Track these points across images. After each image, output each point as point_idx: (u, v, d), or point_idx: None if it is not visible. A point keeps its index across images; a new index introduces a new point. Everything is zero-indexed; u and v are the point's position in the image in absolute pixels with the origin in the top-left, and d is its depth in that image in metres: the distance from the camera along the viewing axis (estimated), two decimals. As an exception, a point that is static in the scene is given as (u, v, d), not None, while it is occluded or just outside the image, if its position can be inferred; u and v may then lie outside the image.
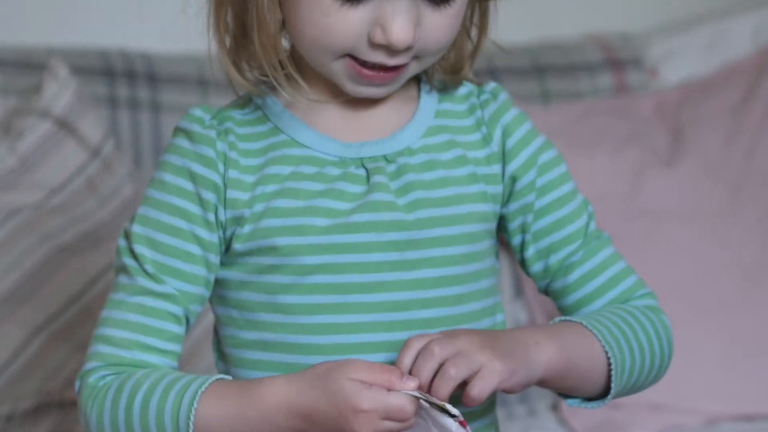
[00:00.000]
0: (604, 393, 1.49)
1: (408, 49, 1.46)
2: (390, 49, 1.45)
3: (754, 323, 2.47)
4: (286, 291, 1.49)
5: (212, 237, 1.49)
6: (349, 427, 1.38)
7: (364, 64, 1.47)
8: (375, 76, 1.47)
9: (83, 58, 2.56)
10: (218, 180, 1.49)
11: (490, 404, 1.56)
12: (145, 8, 2.46)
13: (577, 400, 1.51)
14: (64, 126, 2.45)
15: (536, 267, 1.56)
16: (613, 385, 1.47)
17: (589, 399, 1.51)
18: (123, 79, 2.57)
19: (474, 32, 1.57)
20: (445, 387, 1.37)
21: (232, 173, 1.49)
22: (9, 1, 2.68)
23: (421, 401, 1.39)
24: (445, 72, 1.57)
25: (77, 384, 1.49)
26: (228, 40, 1.52)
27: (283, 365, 1.49)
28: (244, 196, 1.48)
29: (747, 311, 2.50)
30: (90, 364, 1.48)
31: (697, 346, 2.46)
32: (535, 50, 2.64)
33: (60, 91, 2.46)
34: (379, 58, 1.46)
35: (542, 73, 2.59)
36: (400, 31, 1.43)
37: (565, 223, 1.57)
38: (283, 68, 1.50)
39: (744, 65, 2.74)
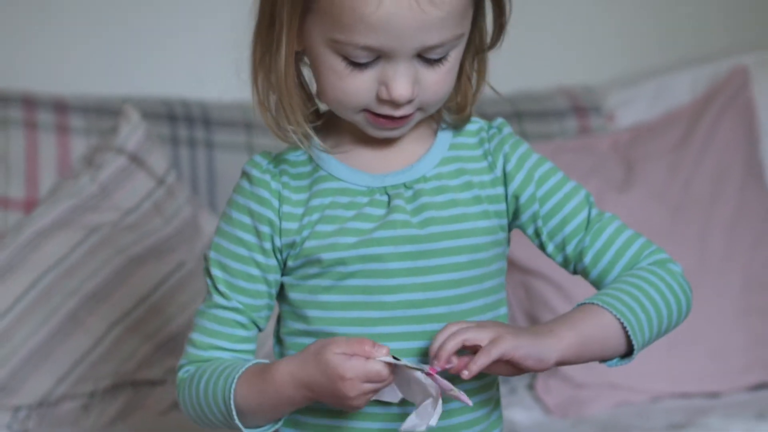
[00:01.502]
0: (630, 350, 1.48)
1: (409, 102, 1.47)
2: (394, 104, 1.46)
3: (690, 320, 2.27)
4: (324, 292, 1.51)
5: (268, 261, 1.52)
6: (339, 392, 1.41)
7: (378, 115, 1.49)
8: (387, 122, 1.48)
9: (151, 105, 2.56)
10: (272, 216, 1.51)
11: (491, 381, 1.57)
12: (200, 65, 2.57)
13: (614, 360, 1.50)
14: (136, 160, 2.46)
15: (559, 258, 1.57)
16: (634, 344, 1.46)
17: (622, 356, 1.50)
18: (183, 122, 2.57)
19: (474, 78, 1.57)
20: (450, 343, 1.39)
21: (286, 208, 1.51)
22: (91, 58, 2.66)
23: (399, 365, 1.41)
24: (452, 113, 1.57)
25: (177, 374, 1.57)
26: (273, 100, 1.53)
27: None
28: (294, 225, 1.51)
29: None
30: (180, 362, 1.56)
31: None
32: (515, 99, 2.66)
33: (132, 132, 2.47)
34: (387, 110, 1.47)
35: (521, 117, 2.61)
36: (400, 88, 1.45)
37: (570, 219, 1.57)
38: (302, 125, 1.52)
39: (683, 112, 2.72)
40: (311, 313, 1.53)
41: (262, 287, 1.53)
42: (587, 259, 1.55)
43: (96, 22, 2.68)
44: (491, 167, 1.56)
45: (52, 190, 2.45)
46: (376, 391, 1.43)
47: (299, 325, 1.54)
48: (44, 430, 2.23)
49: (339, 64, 1.46)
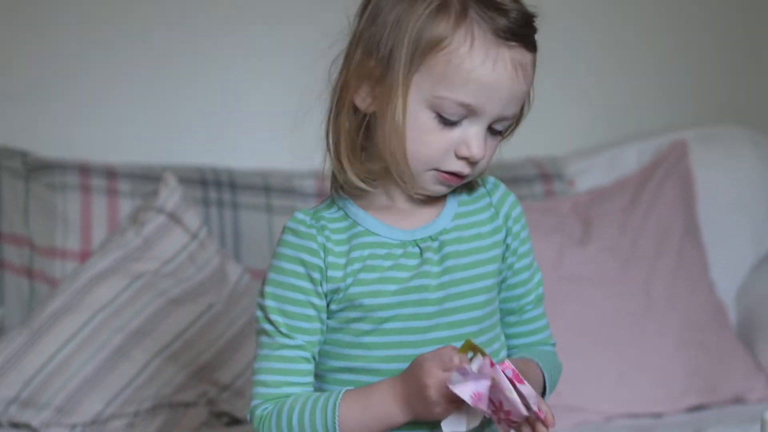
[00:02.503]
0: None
1: (480, 161, 1.49)
2: (470, 160, 1.48)
3: (637, 352, 2.48)
4: (366, 335, 1.51)
5: (321, 302, 1.51)
6: (424, 396, 1.41)
7: (446, 173, 1.49)
8: (453, 179, 1.50)
9: (186, 172, 2.57)
10: (321, 264, 1.50)
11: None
12: (228, 139, 2.70)
13: None
14: (173, 218, 2.48)
15: (503, 304, 1.59)
16: (547, 392, 1.54)
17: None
18: (213, 186, 2.57)
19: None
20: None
21: (330, 258, 1.50)
22: (136, 133, 2.67)
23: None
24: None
25: (248, 417, 1.53)
26: (347, 164, 1.52)
27: (359, 382, 1.51)
28: (339, 273, 1.50)
29: (632, 344, 2.49)
30: (254, 402, 1.52)
31: (598, 367, 2.45)
32: (492, 168, 2.51)
33: (170, 195, 2.49)
34: (458, 167, 1.48)
35: None
36: (479, 148, 1.47)
37: (527, 282, 1.60)
38: (365, 183, 1.51)
39: (631, 179, 2.74)
40: (354, 352, 1.52)
41: (317, 325, 1.51)
42: (524, 317, 1.60)
43: (140, 103, 2.68)
44: (493, 217, 1.58)
45: (103, 243, 2.47)
46: (457, 402, 1.41)
47: (341, 363, 1.52)
48: (96, 445, 2.24)
49: (430, 122, 1.47)
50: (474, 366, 1.40)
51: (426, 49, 1.46)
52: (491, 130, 1.49)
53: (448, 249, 1.53)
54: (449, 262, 1.53)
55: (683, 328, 2.55)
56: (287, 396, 1.50)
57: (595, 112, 2.98)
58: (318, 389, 1.55)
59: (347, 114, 1.52)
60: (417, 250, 1.53)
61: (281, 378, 1.51)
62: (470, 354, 1.43)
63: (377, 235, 1.53)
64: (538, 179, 2.77)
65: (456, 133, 1.48)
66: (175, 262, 2.46)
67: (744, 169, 2.81)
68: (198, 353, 2.35)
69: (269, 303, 1.52)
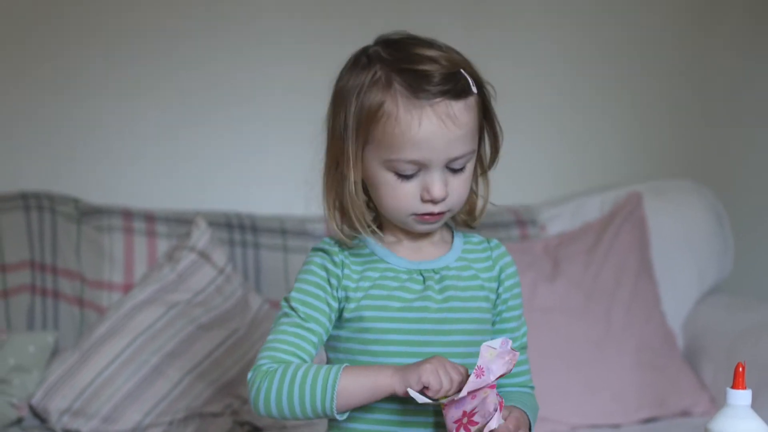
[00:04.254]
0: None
1: (443, 200, 1.49)
2: (434, 201, 1.48)
3: (598, 371, 2.48)
4: (374, 343, 1.51)
5: (335, 304, 1.53)
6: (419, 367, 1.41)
7: (422, 215, 1.50)
8: (430, 218, 1.50)
9: (214, 217, 2.55)
10: (339, 273, 1.52)
11: None
12: (250, 189, 2.66)
13: None
14: (203, 256, 2.47)
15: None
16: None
17: None
18: (237, 229, 2.55)
19: (481, 195, 1.59)
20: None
21: (346, 271, 1.53)
22: (170, 183, 2.67)
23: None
24: (463, 222, 1.59)
25: (251, 374, 1.50)
26: (337, 215, 1.54)
27: None
28: (352, 285, 1.53)
29: (594, 364, 2.49)
30: (261, 361, 1.50)
31: (565, 384, 2.45)
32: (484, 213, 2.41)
33: (201, 236, 2.48)
34: (428, 209, 1.49)
35: (478, 229, 2.43)
36: (438, 190, 1.48)
37: (514, 330, 1.60)
38: (369, 226, 1.53)
39: (594, 225, 2.72)
40: (362, 358, 1.52)
41: (326, 322, 1.52)
42: None
43: (175, 159, 2.68)
44: (490, 268, 1.59)
45: (143, 277, 2.46)
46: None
47: (360, 346, 1.53)
48: (136, 449, 2.22)
49: (391, 179, 1.49)
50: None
51: (367, 122, 1.48)
52: (451, 170, 1.49)
53: (447, 282, 1.55)
54: (448, 293, 1.54)
55: (638, 352, 2.54)
56: (301, 363, 1.50)
57: (564, 168, 2.96)
58: None
59: (332, 181, 1.54)
60: (420, 278, 1.54)
61: (292, 348, 1.51)
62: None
63: (388, 263, 1.54)
64: (514, 224, 2.75)
65: (416, 182, 1.49)
66: (205, 293, 2.45)
67: (690, 216, 2.80)
68: (224, 371, 2.34)
69: (294, 294, 1.54)
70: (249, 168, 2.73)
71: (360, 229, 1.53)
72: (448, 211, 1.53)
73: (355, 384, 1.46)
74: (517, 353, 1.41)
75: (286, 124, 2.71)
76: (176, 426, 2.28)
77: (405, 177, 1.49)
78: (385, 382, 1.45)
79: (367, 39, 1.58)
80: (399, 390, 1.44)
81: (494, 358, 1.40)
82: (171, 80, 2.69)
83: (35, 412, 2.31)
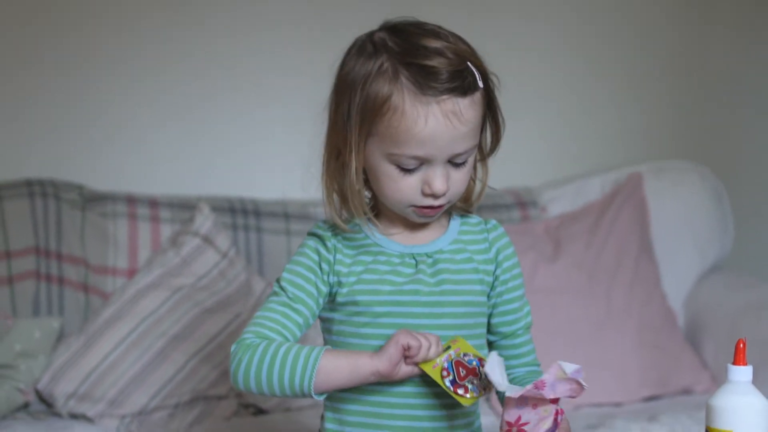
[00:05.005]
0: None
1: (444, 194, 1.48)
2: (435, 196, 1.48)
3: (600, 351, 2.49)
4: (365, 326, 1.51)
5: (324, 288, 1.52)
6: (385, 350, 1.42)
7: (422, 207, 1.49)
8: (429, 211, 1.49)
9: (217, 202, 2.55)
10: (331, 259, 1.52)
11: (475, 418, 1.56)
12: (253, 173, 2.65)
13: None
14: (207, 241, 2.47)
15: (494, 327, 1.58)
16: None
17: None
18: (240, 214, 2.55)
19: (479, 180, 1.56)
20: None
21: (338, 256, 1.52)
22: (174, 169, 2.66)
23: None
24: (459, 206, 1.57)
25: (234, 346, 1.49)
26: (336, 201, 1.53)
27: None
28: (344, 269, 1.52)
29: (596, 344, 2.49)
30: (246, 335, 1.49)
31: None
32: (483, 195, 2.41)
33: (204, 221, 2.48)
34: (429, 202, 1.48)
35: (479, 210, 2.40)
36: (439, 185, 1.47)
37: (517, 311, 1.59)
38: (366, 214, 1.52)
39: (594, 205, 2.73)
40: (354, 341, 1.51)
41: (313, 305, 1.52)
42: (516, 342, 1.58)
43: (178, 145, 2.68)
44: (486, 250, 1.57)
45: (147, 262, 2.46)
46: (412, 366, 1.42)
47: (352, 329, 1.52)
48: (142, 432, 2.23)
49: (393, 171, 1.47)
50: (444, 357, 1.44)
51: (372, 114, 1.46)
52: (453, 164, 1.48)
53: (440, 266, 1.53)
54: (441, 276, 1.53)
55: (639, 331, 2.55)
56: (275, 340, 1.50)
57: (565, 150, 2.96)
58: None
59: (332, 167, 1.53)
60: (413, 261, 1.53)
61: (277, 326, 1.51)
62: (455, 351, 1.45)
63: (381, 247, 1.53)
64: (515, 206, 2.75)
65: (418, 176, 1.48)
66: (209, 277, 2.45)
67: (690, 196, 2.80)
68: (228, 354, 2.19)
69: (285, 275, 1.54)
70: (251, 153, 2.73)
71: (357, 217, 1.53)
72: (447, 203, 1.52)
73: (335, 363, 1.46)
74: (585, 388, 1.40)
75: (289, 109, 2.71)
76: (182, 408, 2.30)
77: (407, 170, 1.48)
78: (365, 361, 1.45)
79: (369, 24, 1.55)
80: (381, 366, 1.44)
81: (562, 380, 1.39)
82: (174, 67, 2.68)
83: (41, 397, 2.31)
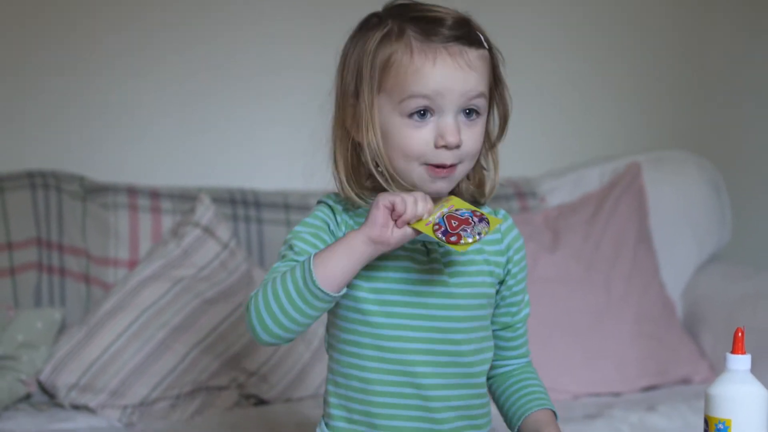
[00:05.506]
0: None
1: (458, 147, 1.44)
2: (447, 148, 1.44)
3: (599, 341, 2.49)
4: (373, 314, 1.47)
5: None
6: (372, 217, 1.37)
7: (435, 167, 1.45)
8: (441, 171, 1.45)
9: (218, 193, 2.55)
10: (339, 234, 1.48)
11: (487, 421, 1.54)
12: (253, 165, 2.66)
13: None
14: (207, 231, 2.47)
15: (497, 317, 1.56)
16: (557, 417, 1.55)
17: None
18: (240, 204, 2.55)
19: (491, 169, 1.54)
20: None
21: (346, 231, 1.48)
22: (175, 159, 2.66)
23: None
24: (471, 195, 1.53)
25: (245, 307, 1.44)
26: (347, 184, 1.49)
27: (366, 357, 1.47)
28: None
29: (594, 334, 2.50)
30: (253, 293, 1.43)
31: (566, 354, 2.46)
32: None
33: (205, 212, 2.48)
34: (442, 156, 1.44)
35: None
36: (452, 134, 1.43)
37: (520, 303, 1.57)
38: (390, 177, 1.46)
39: (593, 196, 2.73)
40: (362, 328, 1.47)
41: None
42: (514, 334, 1.58)
43: (179, 135, 2.68)
44: (498, 241, 1.54)
45: (148, 253, 2.46)
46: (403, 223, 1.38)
47: (351, 337, 1.49)
48: (144, 422, 2.24)
49: (406, 124, 1.44)
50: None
51: (381, 71, 1.45)
52: (465, 114, 1.46)
53: (452, 257, 1.51)
54: (454, 268, 1.50)
55: (638, 321, 2.56)
56: None
57: (563, 140, 2.96)
58: (332, 359, 1.52)
59: (342, 143, 1.50)
60: (424, 249, 1.49)
61: (277, 276, 1.44)
62: (447, 207, 1.42)
63: None
64: (514, 197, 2.75)
65: (430, 127, 1.45)
66: (210, 268, 2.45)
67: (688, 187, 2.80)
68: (229, 345, 2.34)
69: (292, 233, 1.49)
70: (252, 144, 2.73)
71: (380, 180, 1.47)
72: (460, 163, 1.47)
73: (329, 249, 1.41)
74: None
75: (288, 101, 2.70)
76: (183, 399, 2.30)
77: (419, 121, 1.44)
78: (354, 234, 1.40)
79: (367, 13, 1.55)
80: (369, 231, 1.39)
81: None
82: (174, 59, 2.68)
83: (44, 388, 2.32)
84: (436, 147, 1.45)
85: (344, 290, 1.41)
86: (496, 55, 1.51)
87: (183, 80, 2.68)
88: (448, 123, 1.45)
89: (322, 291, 1.38)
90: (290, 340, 1.44)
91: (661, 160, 2.84)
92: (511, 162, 2.73)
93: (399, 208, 1.38)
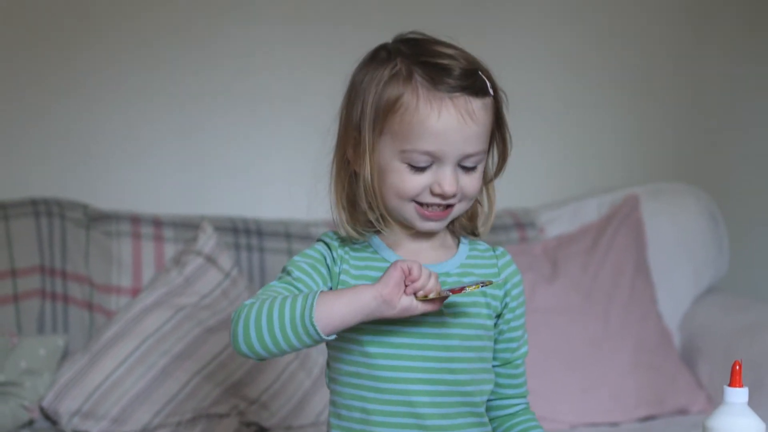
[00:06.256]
0: None
1: (453, 196, 1.46)
2: (443, 196, 1.46)
3: (597, 371, 2.48)
4: (371, 345, 1.48)
5: (328, 283, 1.50)
6: (381, 288, 1.38)
7: (425, 207, 1.47)
8: (433, 215, 1.48)
9: (220, 222, 2.55)
10: (337, 270, 1.50)
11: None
12: (255, 194, 2.66)
13: None
14: (210, 260, 2.47)
15: (497, 353, 1.56)
16: None
17: None
18: (243, 233, 2.55)
19: (486, 203, 1.56)
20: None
21: (345, 266, 1.50)
22: (178, 189, 2.67)
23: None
24: (463, 228, 1.55)
25: (234, 313, 1.44)
26: (344, 214, 1.51)
27: (365, 388, 1.48)
28: (351, 280, 1.50)
29: (592, 364, 2.49)
30: (246, 302, 1.44)
31: (564, 383, 2.45)
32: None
33: (207, 241, 2.48)
34: (436, 201, 1.47)
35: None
36: (449, 185, 1.45)
37: (519, 339, 1.57)
38: (381, 217, 1.49)
39: (591, 227, 2.73)
40: (360, 359, 1.48)
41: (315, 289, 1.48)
42: (515, 372, 1.58)
43: (182, 165, 2.68)
44: (496, 275, 1.55)
45: (151, 281, 2.46)
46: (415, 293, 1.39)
47: (351, 368, 1.49)
48: (145, 450, 2.21)
49: (404, 170, 1.46)
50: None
51: (385, 112, 1.46)
52: (464, 168, 1.48)
53: (448, 288, 1.49)
54: (450, 298, 1.49)
55: (636, 351, 2.55)
56: None
57: (562, 172, 2.97)
58: (333, 392, 1.53)
59: (342, 173, 1.52)
60: None
61: (276, 295, 1.45)
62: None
63: (389, 262, 1.50)
64: (514, 227, 2.75)
65: (428, 175, 1.47)
66: (211, 296, 2.44)
67: (686, 218, 2.80)
68: (230, 373, 2.34)
69: (289, 264, 1.51)
70: (254, 173, 2.73)
71: (370, 217, 1.50)
72: (452, 209, 1.50)
73: (336, 293, 1.42)
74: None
75: (291, 130, 2.72)
76: (184, 427, 2.29)
77: (418, 169, 1.46)
78: (366, 288, 1.41)
79: (370, 46, 1.57)
80: (382, 288, 1.40)
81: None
82: (176, 88, 2.69)
83: (46, 414, 2.31)
84: (432, 193, 1.47)
85: (334, 336, 1.42)
86: (501, 97, 1.52)
87: (185, 109, 2.69)
88: (447, 174, 1.46)
89: (315, 329, 1.39)
90: (263, 359, 1.45)
91: (659, 192, 2.85)
92: (511, 193, 2.79)
93: (415, 273, 1.40)
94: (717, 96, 3.07)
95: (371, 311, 1.41)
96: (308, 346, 1.43)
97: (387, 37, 1.56)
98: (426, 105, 1.44)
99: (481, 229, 1.57)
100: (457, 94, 1.45)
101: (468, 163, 1.48)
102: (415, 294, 1.42)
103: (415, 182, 1.47)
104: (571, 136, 2.98)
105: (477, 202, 1.56)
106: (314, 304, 1.39)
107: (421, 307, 1.43)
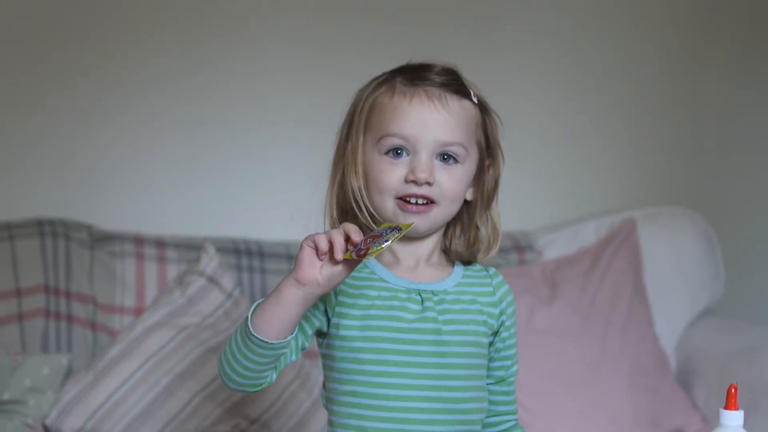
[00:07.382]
0: None
1: (427, 184, 1.47)
2: (416, 183, 1.47)
3: (594, 392, 2.48)
4: (369, 363, 1.48)
5: (316, 322, 1.49)
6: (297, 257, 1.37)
7: (405, 201, 1.48)
8: (411, 207, 1.48)
9: (223, 243, 2.55)
10: (333, 299, 1.49)
11: None
12: (257, 216, 2.65)
13: None
14: (212, 281, 2.46)
15: (492, 371, 1.57)
16: None
17: None
18: (245, 254, 2.55)
19: (489, 231, 1.56)
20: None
21: (342, 287, 1.49)
22: (180, 210, 2.66)
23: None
24: (458, 255, 1.56)
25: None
26: (334, 215, 1.52)
27: (364, 406, 1.47)
28: (349, 300, 1.49)
29: (590, 385, 2.48)
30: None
31: (562, 404, 2.44)
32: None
33: (210, 262, 2.48)
34: (411, 190, 1.47)
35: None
36: (422, 171, 1.46)
37: (512, 357, 1.58)
38: (370, 216, 1.49)
39: (589, 250, 2.73)
40: (358, 378, 1.48)
41: (300, 339, 1.49)
42: (507, 389, 1.59)
43: (184, 187, 2.68)
44: (491, 294, 1.56)
45: (154, 301, 2.45)
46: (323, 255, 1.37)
47: (347, 387, 1.49)
48: (147, 468, 2.21)
49: (383, 160, 1.47)
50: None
51: (368, 113, 1.50)
52: (443, 161, 1.49)
53: (446, 305, 1.51)
54: (447, 315, 1.51)
55: (632, 373, 2.55)
56: None
57: (561, 195, 2.97)
58: (331, 412, 1.52)
59: (335, 184, 1.53)
60: (419, 298, 1.50)
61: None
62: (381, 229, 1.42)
63: (386, 281, 1.51)
64: (512, 250, 2.74)
65: (404, 164, 1.48)
66: (214, 317, 2.44)
67: (683, 241, 2.79)
68: (232, 392, 2.32)
69: None
70: (256, 195, 2.73)
71: (361, 220, 1.50)
72: (435, 204, 1.50)
73: (265, 300, 1.41)
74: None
75: (293, 153, 2.71)
76: (185, 446, 2.30)
77: (394, 158, 1.48)
78: (285, 281, 1.40)
79: (371, 69, 1.59)
80: (296, 274, 1.38)
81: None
82: (180, 110, 2.69)
83: (49, 432, 2.32)
84: (406, 182, 1.48)
85: (288, 338, 1.41)
86: (491, 115, 1.55)
87: (188, 131, 2.69)
88: (420, 161, 1.47)
89: (259, 338, 1.39)
90: (256, 386, 1.45)
91: (656, 216, 2.84)
92: (510, 216, 2.71)
93: (321, 246, 1.37)
94: (713, 121, 3.07)
95: (302, 298, 1.40)
96: (274, 357, 1.42)
97: (388, 63, 1.58)
98: (399, 95, 1.48)
99: (481, 256, 1.58)
100: (434, 87, 1.48)
101: (446, 151, 1.48)
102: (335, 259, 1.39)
103: (393, 174, 1.48)
104: (569, 160, 2.98)
105: (477, 227, 1.56)
106: (250, 316, 1.39)
107: (345, 271, 1.40)
